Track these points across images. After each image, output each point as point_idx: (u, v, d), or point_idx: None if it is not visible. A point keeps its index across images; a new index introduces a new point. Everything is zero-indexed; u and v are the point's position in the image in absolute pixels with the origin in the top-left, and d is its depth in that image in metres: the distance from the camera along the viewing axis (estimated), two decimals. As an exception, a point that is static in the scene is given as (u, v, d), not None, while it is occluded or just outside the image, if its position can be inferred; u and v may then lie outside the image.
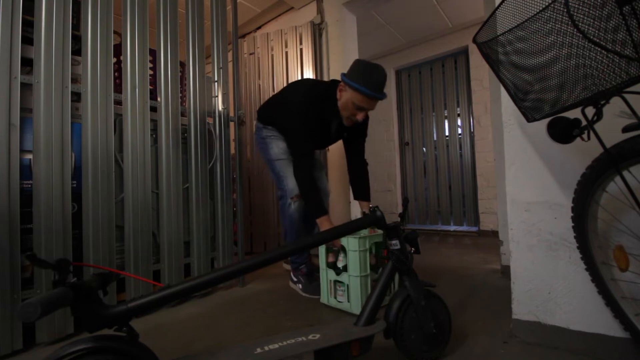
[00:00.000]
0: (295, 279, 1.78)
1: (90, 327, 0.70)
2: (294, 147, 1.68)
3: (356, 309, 1.41)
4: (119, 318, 0.73)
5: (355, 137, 1.86)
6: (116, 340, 0.72)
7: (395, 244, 0.99)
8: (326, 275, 1.55)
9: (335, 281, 1.52)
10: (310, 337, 0.88)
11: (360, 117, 1.56)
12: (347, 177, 2.51)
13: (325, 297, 1.56)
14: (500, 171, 1.85)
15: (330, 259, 1.56)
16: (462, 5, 3.19)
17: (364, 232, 1.58)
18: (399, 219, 1.06)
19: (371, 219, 1.00)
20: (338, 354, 0.87)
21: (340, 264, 1.51)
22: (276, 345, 0.84)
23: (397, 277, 1.03)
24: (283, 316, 1.45)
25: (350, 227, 1.00)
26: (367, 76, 1.46)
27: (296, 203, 1.72)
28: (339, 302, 1.50)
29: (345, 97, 1.55)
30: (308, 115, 1.62)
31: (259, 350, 0.82)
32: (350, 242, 1.45)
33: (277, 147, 1.80)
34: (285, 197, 1.77)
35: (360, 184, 1.86)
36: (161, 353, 1.19)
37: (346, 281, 1.46)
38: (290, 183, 1.71)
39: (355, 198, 1.88)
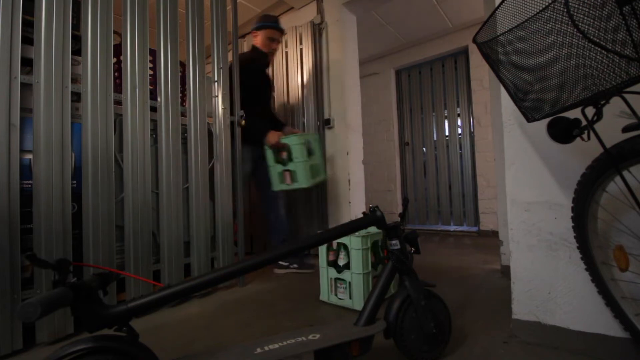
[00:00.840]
0: (286, 263, 2.07)
1: (90, 327, 0.70)
2: (247, 105, 2.07)
3: (358, 305, 1.45)
4: (119, 318, 0.73)
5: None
6: (116, 340, 0.72)
7: (395, 244, 0.99)
8: (327, 274, 1.57)
9: (336, 279, 1.54)
10: (310, 337, 0.88)
11: (275, 46, 2.29)
12: (346, 178, 2.52)
13: (325, 294, 1.58)
14: (500, 171, 1.85)
15: (331, 258, 1.58)
16: (462, 5, 3.19)
17: (363, 232, 1.59)
18: (399, 219, 1.06)
19: (371, 219, 1.00)
20: (338, 354, 0.87)
21: (341, 262, 1.54)
22: (276, 345, 0.84)
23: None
24: (283, 316, 1.45)
25: (350, 227, 1.00)
26: (267, 18, 2.28)
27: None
28: (340, 299, 1.52)
29: (261, 39, 2.26)
30: (254, 74, 2.19)
31: (259, 350, 0.82)
32: (352, 241, 1.48)
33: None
34: (275, 197, 2.25)
35: (277, 116, 2.47)
36: (161, 353, 1.19)
37: (348, 279, 1.49)
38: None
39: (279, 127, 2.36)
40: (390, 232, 1.00)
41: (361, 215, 1.03)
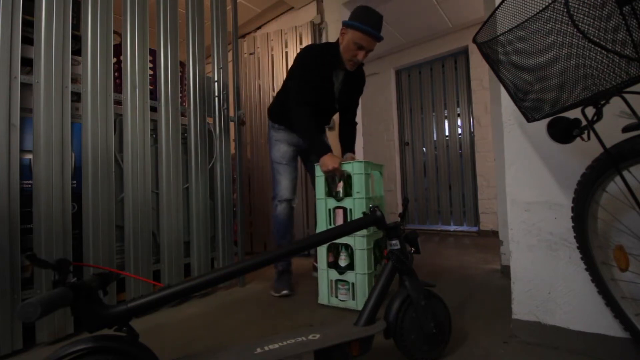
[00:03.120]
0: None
1: (90, 327, 0.70)
2: (294, 93, 1.68)
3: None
4: (119, 318, 0.73)
5: (353, 93, 1.93)
6: (116, 340, 0.72)
7: (395, 244, 0.99)
8: (327, 275, 1.55)
9: (337, 280, 1.52)
10: (310, 337, 0.88)
11: (360, 56, 1.63)
12: None
13: (325, 297, 1.56)
14: (500, 171, 1.85)
15: (330, 259, 1.56)
16: (462, 5, 3.19)
17: (371, 229, 1.53)
18: (399, 219, 1.06)
19: (371, 219, 1.00)
20: (338, 354, 0.87)
21: (342, 263, 1.52)
22: (276, 345, 0.84)
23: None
24: (283, 316, 1.45)
25: (351, 227, 1.00)
26: (364, 17, 1.60)
27: (282, 204, 1.80)
28: (342, 300, 1.51)
29: (347, 39, 1.63)
30: (310, 66, 1.67)
31: (259, 350, 0.82)
32: (357, 241, 1.47)
33: (279, 150, 1.84)
34: (275, 198, 1.83)
35: (347, 137, 1.97)
36: (161, 353, 1.19)
37: (352, 280, 1.47)
38: (281, 187, 1.80)
39: (343, 151, 1.96)
40: (390, 232, 1.00)
41: (361, 215, 1.02)
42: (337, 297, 1.53)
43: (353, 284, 1.47)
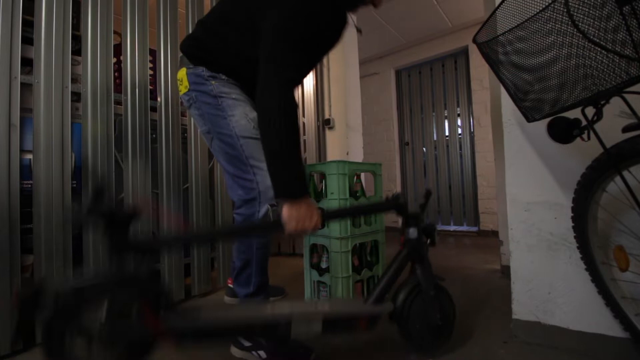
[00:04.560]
0: (248, 343, 1.04)
1: (119, 248, 0.79)
2: (277, 66, 0.89)
3: None
4: (145, 246, 0.83)
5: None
6: (135, 275, 0.80)
7: (412, 232, 1.00)
8: (309, 276, 1.54)
9: (319, 282, 1.50)
10: (319, 306, 0.95)
11: None
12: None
13: (308, 297, 1.55)
14: (500, 171, 1.85)
15: (315, 260, 1.54)
16: (462, 5, 3.19)
17: (348, 232, 1.43)
18: (419, 209, 1.05)
19: (392, 204, 1.00)
20: (344, 325, 0.90)
21: (323, 265, 1.50)
22: (287, 309, 0.90)
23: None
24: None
25: (370, 208, 1.01)
26: None
27: (267, 210, 1.04)
28: None
29: None
30: (319, 12, 0.93)
31: (269, 309, 0.89)
32: (332, 243, 1.42)
33: (244, 116, 1.04)
34: (255, 201, 1.04)
35: None
36: (162, 354, 1.19)
37: (328, 282, 1.45)
38: (266, 180, 1.01)
39: None
40: (410, 220, 1.01)
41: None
42: (318, 298, 1.51)
43: (330, 286, 1.44)
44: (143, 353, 0.79)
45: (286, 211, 0.86)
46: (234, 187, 1.09)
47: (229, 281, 1.60)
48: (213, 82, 1.04)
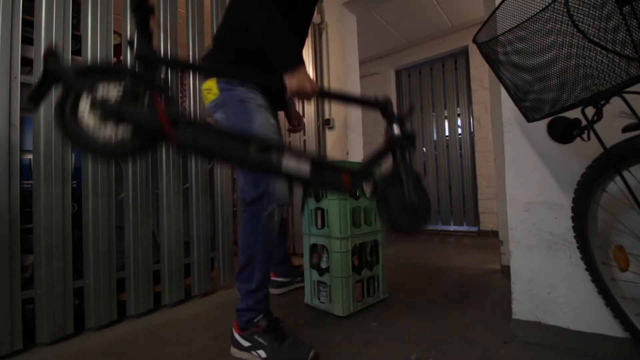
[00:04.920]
0: (247, 343, 1.10)
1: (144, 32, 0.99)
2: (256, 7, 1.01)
3: (338, 310, 1.40)
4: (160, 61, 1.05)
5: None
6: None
7: (395, 129, 1.06)
8: (310, 276, 1.54)
9: (319, 282, 1.50)
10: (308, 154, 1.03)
11: None
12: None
13: (308, 297, 1.55)
14: (500, 171, 1.85)
15: (315, 260, 1.54)
16: (462, 5, 3.19)
17: (348, 232, 1.44)
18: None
19: (380, 104, 1.08)
20: (330, 175, 0.99)
21: (323, 265, 1.50)
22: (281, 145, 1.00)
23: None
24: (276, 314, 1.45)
25: (359, 100, 1.16)
26: None
27: (275, 211, 1.12)
28: (322, 302, 1.49)
29: None
30: None
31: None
32: (332, 244, 1.43)
33: (266, 121, 1.15)
34: (262, 200, 1.11)
35: None
36: (162, 355, 1.19)
37: (328, 282, 1.45)
38: (274, 182, 1.11)
39: None
40: (394, 120, 1.07)
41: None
42: (318, 298, 1.51)
43: (330, 286, 1.44)
44: (147, 142, 0.95)
45: (289, 80, 1.00)
46: (246, 186, 1.14)
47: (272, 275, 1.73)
48: (241, 88, 1.15)
